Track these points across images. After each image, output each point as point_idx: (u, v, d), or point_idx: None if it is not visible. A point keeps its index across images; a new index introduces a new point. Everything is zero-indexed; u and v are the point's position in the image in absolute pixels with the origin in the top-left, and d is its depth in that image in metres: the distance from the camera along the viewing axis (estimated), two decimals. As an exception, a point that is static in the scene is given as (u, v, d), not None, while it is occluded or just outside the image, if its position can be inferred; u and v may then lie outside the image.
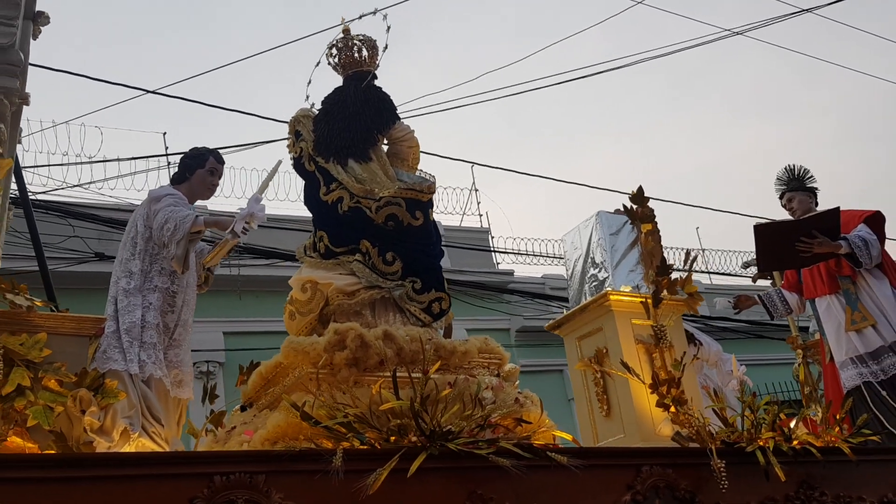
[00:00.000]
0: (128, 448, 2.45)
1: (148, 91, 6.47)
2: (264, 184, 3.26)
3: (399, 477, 2.63)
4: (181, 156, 3.30)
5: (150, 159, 7.88)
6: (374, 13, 4.21)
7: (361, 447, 2.67)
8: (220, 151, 3.43)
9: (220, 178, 3.30)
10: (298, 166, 4.09)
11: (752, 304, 5.28)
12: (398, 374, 2.93)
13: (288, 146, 4.28)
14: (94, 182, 7.83)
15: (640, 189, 3.96)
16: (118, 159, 7.66)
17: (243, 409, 3.71)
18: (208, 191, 3.26)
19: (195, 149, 3.32)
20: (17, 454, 2.26)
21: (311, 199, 3.95)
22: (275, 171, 3.37)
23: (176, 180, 3.25)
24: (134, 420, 2.60)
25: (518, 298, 10.44)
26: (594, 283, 4.51)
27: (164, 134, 8.73)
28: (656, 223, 3.93)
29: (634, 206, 3.93)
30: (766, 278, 6.22)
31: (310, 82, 4.43)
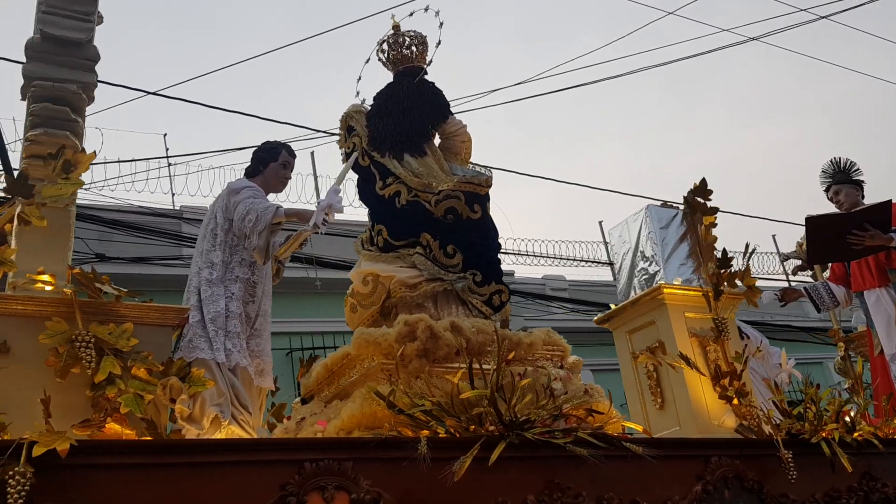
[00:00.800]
0: (218, 435, 2.46)
1: (149, 92, 6.37)
2: (341, 175, 3.27)
3: (479, 465, 2.64)
4: (254, 149, 3.34)
5: (150, 161, 7.86)
6: (426, 10, 4.23)
7: (443, 435, 2.67)
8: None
9: (291, 170, 3.32)
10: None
11: (799, 296, 5.27)
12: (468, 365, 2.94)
13: (339, 142, 4.30)
14: (94, 183, 7.70)
15: (704, 181, 3.96)
16: (119, 161, 7.61)
17: (304, 401, 3.73)
18: (281, 184, 3.28)
19: (268, 143, 3.34)
20: (116, 440, 2.28)
21: (366, 193, 3.97)
22: (351, 163, 3.38)
23: (250, 173, 3.27)
24: (224, 408, 2.61)
25: (519, 299, 10.28)
26: (644, 277, 4.51)
27: (165, 135, 8.56)
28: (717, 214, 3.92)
29: (697, 199, 3.91)
30: (807, 271, 6.21)
31: (360, 79, 4.46)
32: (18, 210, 2.68)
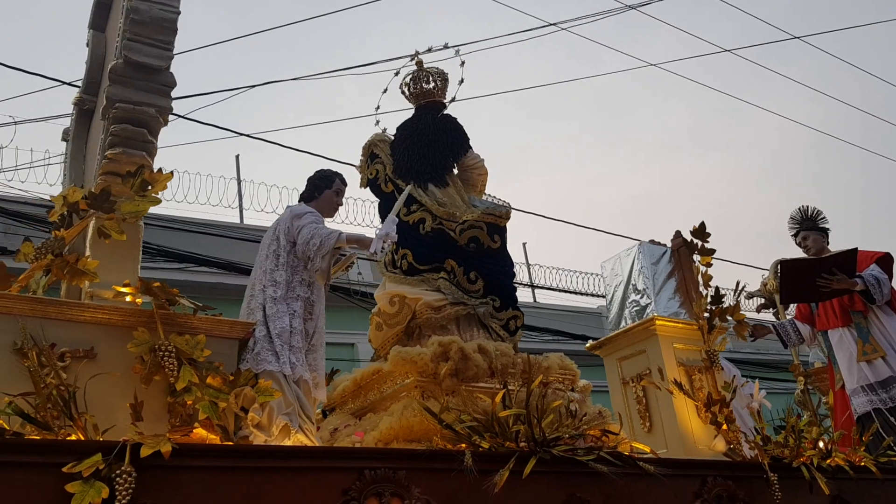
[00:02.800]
0: (287, 443, 2.65)
1: (64, 82, 6.10)
2: (398, 206, 3.50)
3: (513, 477, 2.89)
4: (309, 176, 3.54)
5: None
6: (446, 47, 4.51)
7: (483, 449, 2.92)
8: None
9: (343, 197, 3.53)
10: (374, 186, 4.34)
11: (767, 332, 5.68)
12: (494, 386, 3.20)
13: (359, 167, 4.54)
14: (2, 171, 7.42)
15: (703, 224, 4.31)
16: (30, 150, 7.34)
17: (324, 413, 3.92)
18: (333, 210, 3.49)
19: (322, 171, 3.55)
20: (205, 444, 2.46)
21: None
22: (405, 195, 3.62)
23: (306, 198, 3.47)
24: (292, 417, 2.80)
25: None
26: (635, 308, 4.85)
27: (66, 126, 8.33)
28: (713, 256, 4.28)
29: (697, 240, 4.26)
30: (769, 309, 6.67)
31: (378, 108, 4.71)
32: (94, 223, 2.85)
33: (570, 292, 11.60)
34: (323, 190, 3.47)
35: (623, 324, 4.86)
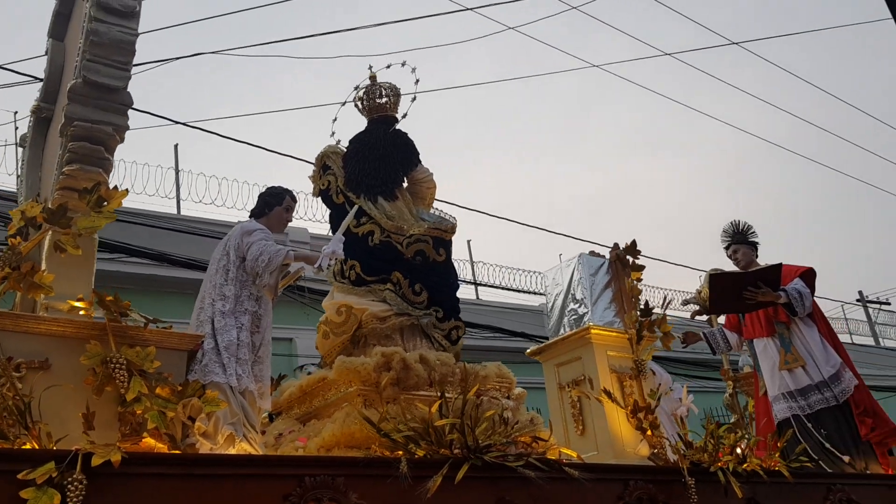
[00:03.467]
0: (232, 451, 2.81)
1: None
2: (345, 224, 3.66)
3: (447, 483, 3.11)
4: (260, 192, 3.69)
5: None
6: (403, 65, 4.68)
7: (418, 457, 3.12)
8: None
9: (293, 213, 3.68)
10: (326, 197, 4.50)
11: (698, 339, 5.99)
12: (434, 395, 3.40)
13: (312, 177, 4.69)
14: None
15: (634, 242, 4.57)
16: None
17: (270, 417, 4.08)
18: (282, 226, 3.64)
19: (273, 188, 3.69)
20: (154, 452, 2.61)
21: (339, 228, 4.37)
22: (352, 215, 3.78)
23: (256, 214, 3.62)
24: (237, 426, 2.96)
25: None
26: (574, 317, 5.10)
27: (16, 113, 7.70)
28: (642, 272, 4.55)
29: (628, 256, 4.52)
30: (702, 315, 7.00)
31: (335, 119, 4.87)
32: (50, 236, 2.97)
33: (512, 290, 11.86)
34: (273, 207, 3.63)
35: (562, 331, 5.11)
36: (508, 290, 11.77)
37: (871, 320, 19.75)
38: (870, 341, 19.01)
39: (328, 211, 4.54)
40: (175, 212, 9.34)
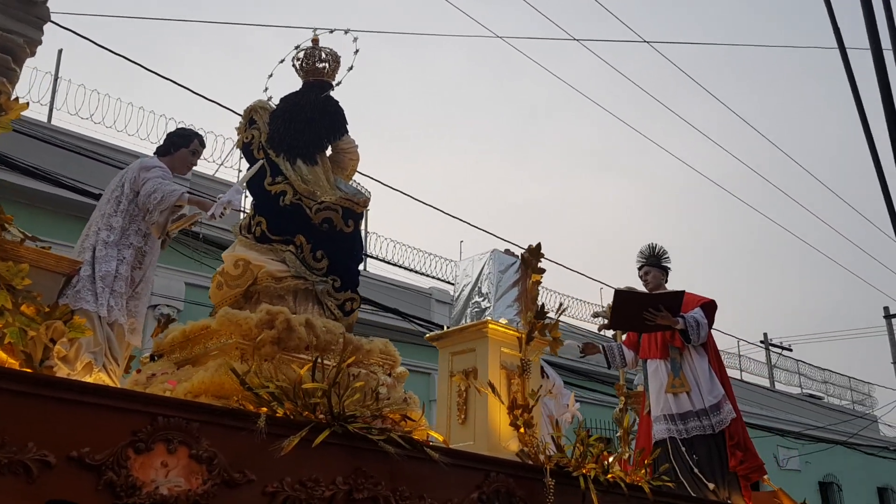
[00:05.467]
0: (89, 379, 2.81)
1: None
2: (245, 177, 3.66)
3: (305, 445, 3.16)
4: (169, 132, 3.65)
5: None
6: (346, 32, 4.68)
7: (280, 415, 3.17)
8: None
9: (199, 158, 3.66)
10: (247, 151, 4.48)
11: (596, 352, 6.17)
12: (311, 359, 3.45)
13: (238, 128, 4.66)
14: None
15: (539, 245, 4.67)
16: None
17: (152, 357, 4.07)
18: (187, 168, 3.62)
19: (182, 129, 3.67)
20: (2, 366, 2.60)
21: (255, 184, 4.36)
22: (256, 168, 3.76)
23: (161, 153, 3.59)
24: (98, 356, 2.96)
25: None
26: (476, 310, 5.20)
27: None
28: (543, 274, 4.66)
29: (530, 258, 4.62)
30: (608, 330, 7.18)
31: (270, 75, 4.84)
32: (-61, 138, 2.92)
33: (400, 266, 11.82)
34: (179, 147, 3.61)
35: (463, 321, 5.21)
36: (396, 265, 11.74)
37: (770, 364, 20.53)
38: (765, 382, 19.77)
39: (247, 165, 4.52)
40: (46, 120, 8.83)
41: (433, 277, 12.07)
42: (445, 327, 5.18)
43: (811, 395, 20.64)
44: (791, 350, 21.29)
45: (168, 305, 8.30)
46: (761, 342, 20.83)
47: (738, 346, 18.54)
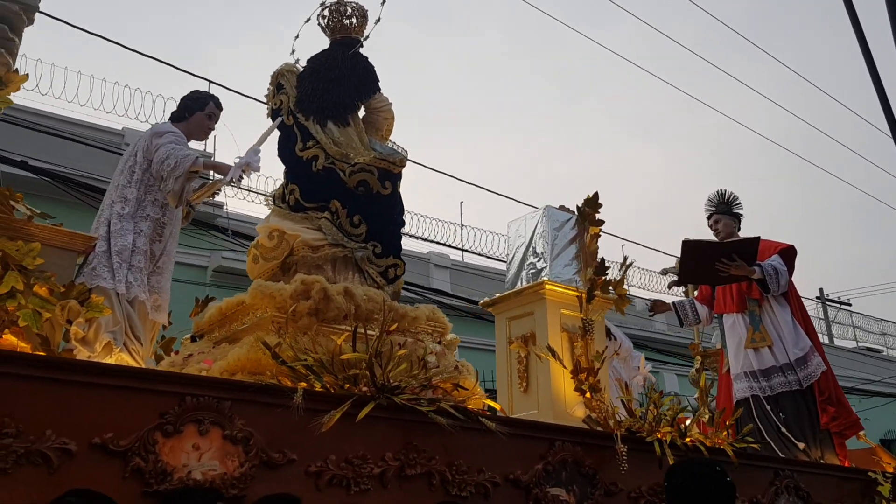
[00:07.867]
0: (109, 360, 2.63)
1: None
2: (263, 137, 3.43)
3: (348, 420, 2.92)
4: (183, 96, 3.44)
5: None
6: None
7: (318, 389, 2.93)
8: None
9: (216, 122, 3.45)
10: (277, 117, 4.25)
11: (667, 309, 5.76)
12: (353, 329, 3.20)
13: (266, 96, 4.44)
14: None
15: (596, 195, 4.31)
16: None
17: (194, 339, 3.90)
18: (204, 133, 3.41)
19: (197, 91, 3.46)
20: (12, 351, 2.43)
21: (285, 151, 4.13)
22: (273, 127, 3.53)
23: (175, 118, 3.39)
24: (117, 335, 2.78)
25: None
26: (532, 271, 4.87)
27: None
28: (602, 227, 4.30)
29: (587, 209, 4.27)
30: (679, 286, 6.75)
31: (297, 37, 4.59)
32: (-60, 116, 2.76)
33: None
34: (194, 111, 3.39)
35: (519, 284, 4.89)
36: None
37: (828, 319, 19.52)
38: (824, 339, 18.80)
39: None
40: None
41: (422, 239, 11.70)
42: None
43: (868, 349, 19.48)
44: (850, 304, 20.20)
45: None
46: (817, 297, 19.83)
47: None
